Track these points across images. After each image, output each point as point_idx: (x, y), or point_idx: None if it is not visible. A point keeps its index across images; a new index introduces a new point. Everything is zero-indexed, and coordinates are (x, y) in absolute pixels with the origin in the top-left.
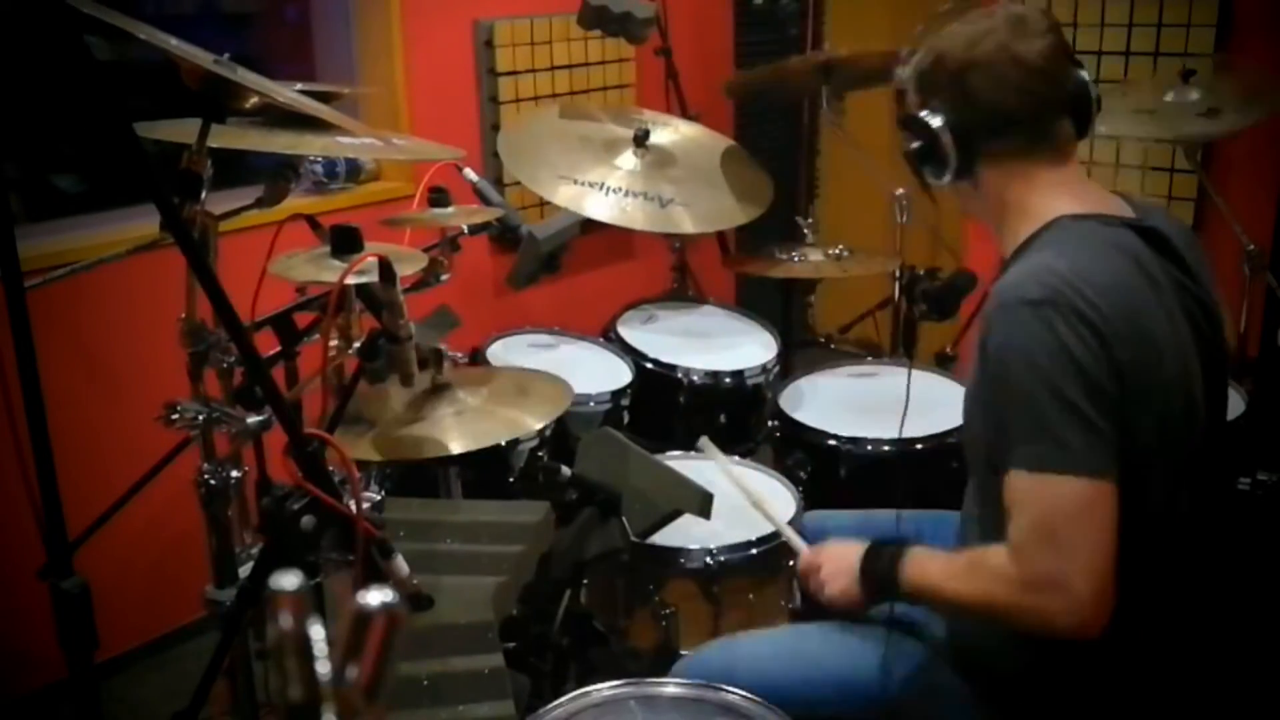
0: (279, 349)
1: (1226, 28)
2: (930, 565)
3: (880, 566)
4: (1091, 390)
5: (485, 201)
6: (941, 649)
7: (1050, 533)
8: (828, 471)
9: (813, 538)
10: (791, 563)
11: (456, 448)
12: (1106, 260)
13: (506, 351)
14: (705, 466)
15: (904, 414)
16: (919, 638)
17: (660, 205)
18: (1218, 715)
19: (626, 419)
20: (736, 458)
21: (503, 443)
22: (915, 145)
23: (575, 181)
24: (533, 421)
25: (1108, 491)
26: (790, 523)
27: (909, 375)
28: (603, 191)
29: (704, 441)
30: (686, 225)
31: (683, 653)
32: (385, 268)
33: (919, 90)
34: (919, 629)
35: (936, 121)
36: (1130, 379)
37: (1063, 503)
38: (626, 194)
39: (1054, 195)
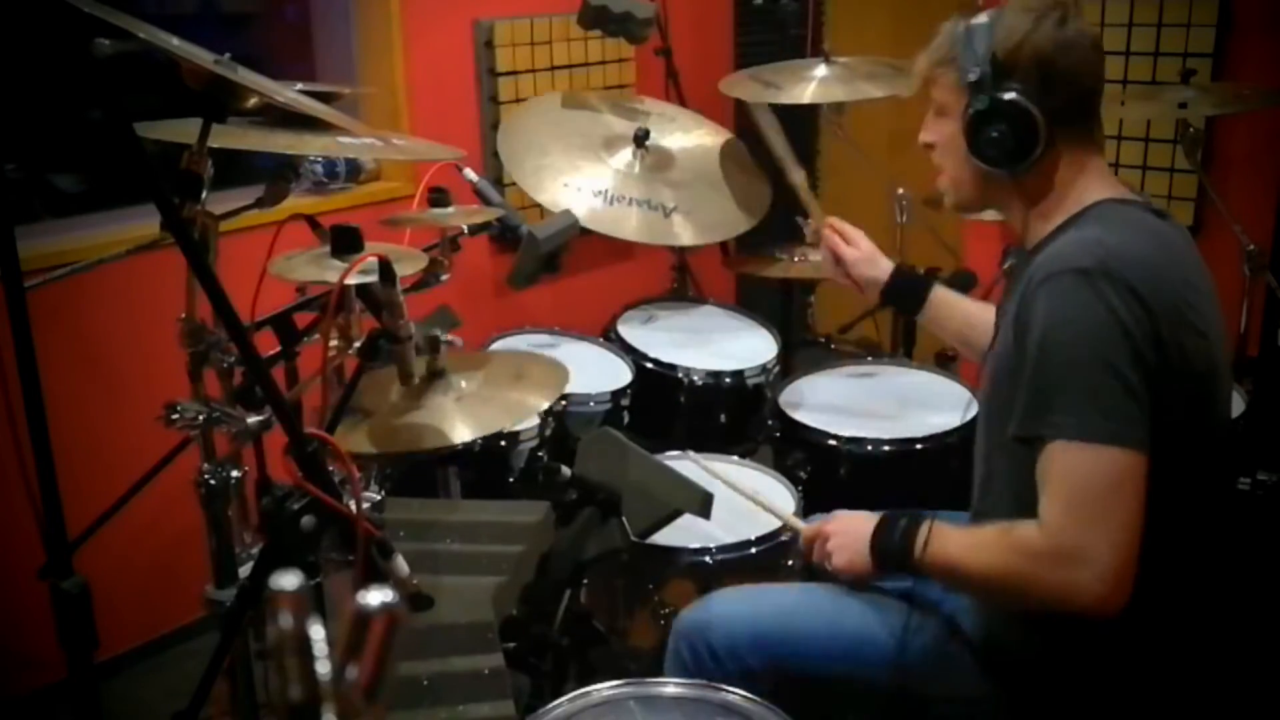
0: (279, 349)
1: (1226, 28)
2: (950, 538)
3: (895, 539)
4: (1137, 358)
5: (485, 201)
6: (958, 622)
7: (1084, 505)
8: (828, 471)
9: None
10: (790, 561)
11: (461, 436)
12: (1153, 241)
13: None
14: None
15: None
16: (936, 609)
17: (664, 215)
18: (1217, 709)
19: (626, 419)
20: (735, 458)
21: (503, 442)
22: (998, 130)
23: (579, 190)
24: (535, 403)
25: (1142, 465)
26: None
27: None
28: (604, 199)
29: (691, 455)
30: (687, 237)
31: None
32: (385, 268)
33: (996, 71)
34: (936, 600)
35: (1032, 107)
36: (1168, 356)
37: (1101, 473)
38: (630, 203)
39: (1094, 180)
